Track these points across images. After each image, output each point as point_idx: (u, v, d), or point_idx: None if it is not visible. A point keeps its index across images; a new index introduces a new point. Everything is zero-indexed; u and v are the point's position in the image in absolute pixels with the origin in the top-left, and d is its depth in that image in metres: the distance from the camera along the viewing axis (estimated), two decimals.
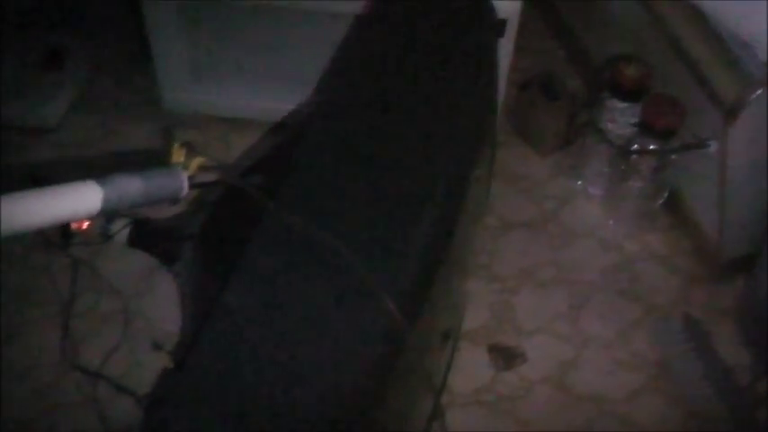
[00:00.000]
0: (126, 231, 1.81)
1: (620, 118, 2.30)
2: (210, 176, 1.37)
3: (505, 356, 2.10)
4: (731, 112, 1.96)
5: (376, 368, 1.30)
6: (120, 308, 2.14)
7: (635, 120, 2.27)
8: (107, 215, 1.15)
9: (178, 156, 1.27)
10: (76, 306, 2.09)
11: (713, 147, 2.11)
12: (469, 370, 2.08)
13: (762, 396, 1.92)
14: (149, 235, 1.82)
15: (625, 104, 2.28)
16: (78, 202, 1.14)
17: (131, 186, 1.19)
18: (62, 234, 1.86)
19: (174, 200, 1.28)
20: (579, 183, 2.48)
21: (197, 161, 1.28)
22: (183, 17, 2.33)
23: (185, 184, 1.24)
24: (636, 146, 2.23)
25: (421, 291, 1.40)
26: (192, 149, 1.29)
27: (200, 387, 1.23)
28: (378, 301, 1.27)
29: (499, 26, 1.98)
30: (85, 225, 1.80)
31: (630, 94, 2.27)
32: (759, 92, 1.91)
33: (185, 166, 1.27)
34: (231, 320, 1.30)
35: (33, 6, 2.74)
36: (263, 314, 1.31)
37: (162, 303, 2.09)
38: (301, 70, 2.21)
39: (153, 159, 1.30)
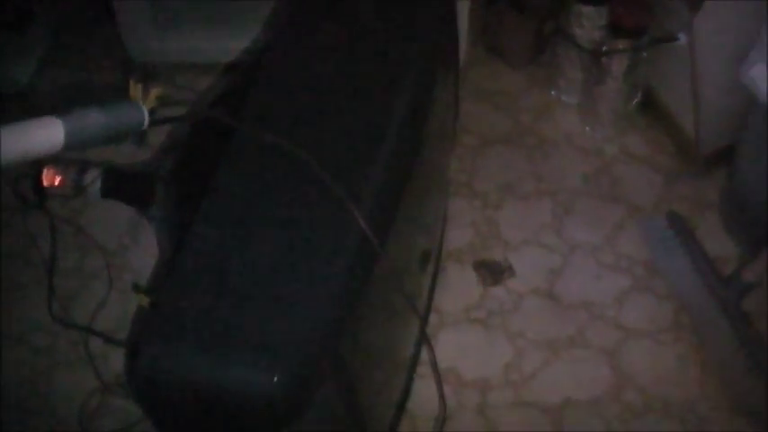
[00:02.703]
0: (98, 182, 1.80)
1: (587, 23, 2.28)
2: (174, 111, 1.37)
3: (492, 272, 2.11)
4: (694, 1, 1.93)
5: (351, 284, 1.30)
6: (105, 264, 2.16)
7: (603, 23, 2.24)
8: (72, 149, 1.15)
9: (135, 91, 1.27)
10: (62, 265, 2.11)
11: (682, 39, 2.10)
12: (457, 289, 2.08)
13: (748, 284, 1.92)
14: (122, 183, 1.81)
15: (591, 8, 2.26)
16: (41, 136, 1.14)
17: (92, 119, 1.19)
18: (35, 191, 1.86)
19: (139, 136, 1.28)
20: (554, 92, 2.47)
21: (154, 92, 1.28)
22: None
23: (146, 115, 1.24)
24: (605, 47, 2.21)
25: (390, 205, 1.40)
26: (148, 81, 1.29)
27: (175, 321, 1.23)
28: (349, 216, 1.27)
29: None
30: (57, 180, 1.80)
31: None
32: None
33: (143, 100, 1.27)
34: (203, 248, 1.30)
35: None
36: (235, 239, 1.30)
37: (147, 253, 2.09)
38: (260, 9, 2.19)
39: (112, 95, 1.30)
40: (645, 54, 2.21)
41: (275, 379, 1.17)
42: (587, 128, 2.39)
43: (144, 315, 1.30)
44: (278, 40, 1.58)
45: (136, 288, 1.53)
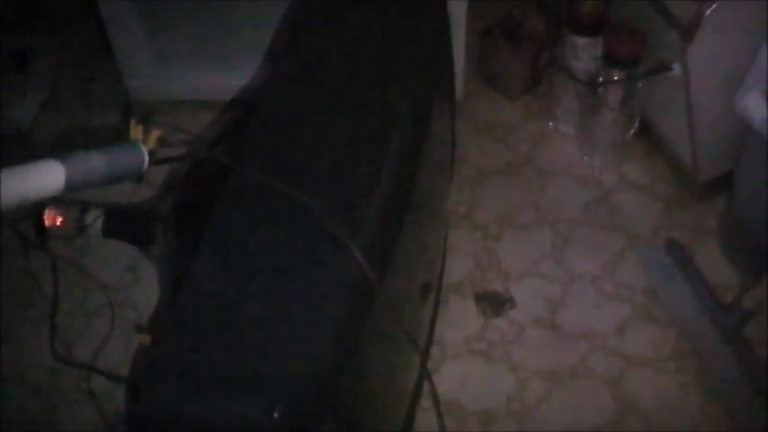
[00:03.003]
0: (100, 222, 1.82)
1: (583, 54, 2.30)
2: (173, 151, 1.39)
3: (493, 303, 2.11)
4: (688, 31, 1.96)
5: (350, 320, 1.31)
6: (107, 302, 2.16)
7: (598, 54, 2.26)
8: (72, 191, 1.16)
9: (136, 132, 1.29)
10: (65, 304, 2.12)
11: (676, 69, 2.11)
12: (458, 321, 2.09)
13: (748, 310, 1.93)
14: (123, 222, 1.83)
15: (586, 40, 2.28)
16: (42, 179, 1.15)
17: (93, 162, 1.20)
18: (37, 232, 1.88)
19: (138, 175, 1.29)
20: (551, 123, 2.49)
21: (155, 134, 1.29)
22: (138, 6, 2.34)
23: (146, 157, 1.25)
24: (601, 78, 2.23)
25: (388, 239, 1.41)
26: (148, 124, 1.30)
27: (175, 360, 1.24)
28: (347, 253, 1.28)
29: None
30: (59, 220, 1.82)
31: (590, 28, 2.27)
32: (713, 7, 1.90)
33: (144, 141, 1.29)
34: (201, 287, 1.31)
35: None
36: (233, 277, 1.31)
37: (149, 291, 2.09)
38: (260, 46, 2.21)
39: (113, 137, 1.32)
40: (640, 84, 2.23)
41: (275, 416, 1.17)
42: (585, 158, 2.41)
43: (144, 354, 1.31)
44: (274, 77, 1.60)
45: (138, 329, 1.54)
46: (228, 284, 1.31)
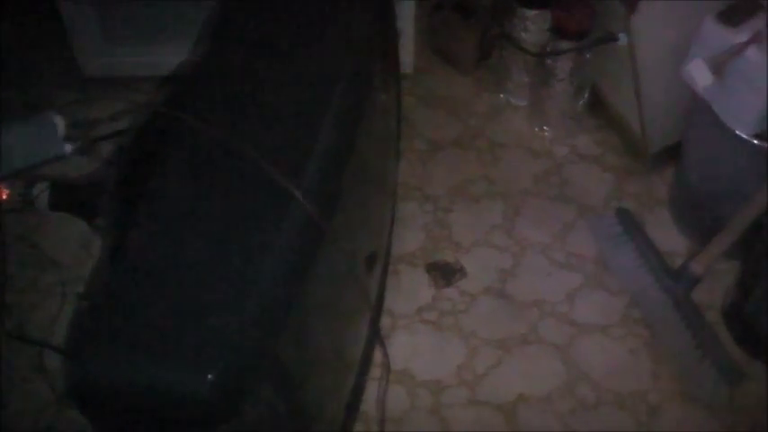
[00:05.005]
0: (46, 194, 1.81)
1: (532, 26, 2.31)
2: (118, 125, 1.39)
3: (444, 273, 2.13)
4: (631, 1, 1.97)
5: (292, 277, 1.31)
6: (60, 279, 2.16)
7: (547, 26, 2.28)
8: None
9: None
10: (17, 282, 2.11)
11: (623, 40, 2.13)
12: (410, 291, 2.10)
13: (696, 276, 1.95)
14: (69, 194, 1.82)
15: (535, 12, 2.29)
16: None
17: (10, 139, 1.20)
18: None
19: (87, 146, 1.29)
20: (503, 96, 2.50)
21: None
22: None
23: (61, 127, 1.25)
24: (549, 49, 2.24)
25: (331, 193, 1.42)
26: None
27: (110, 326, 1.24)
28: (290, 203, 1.29)
29: None
30: (5, 194, 1.80)
31: (539, 1, 2.28)
32: None
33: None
34: (138, 250, 1.30)
35: None
36: (170, 239, 1.31)
37: None
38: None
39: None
40: (588, 55, 2.25)
41: (209, 378, 1.18)
42: (536, 129, 2.42)
43: (79, 322, 1.31)
44: (213, 46, 1.60)
45: (80, 297, 1.54)
46: (166, 246, 1.30)
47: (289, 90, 1.48)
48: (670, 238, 2.17)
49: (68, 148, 1.41)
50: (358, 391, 1.85)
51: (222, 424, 1.23)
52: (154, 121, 1.52)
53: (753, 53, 1.79)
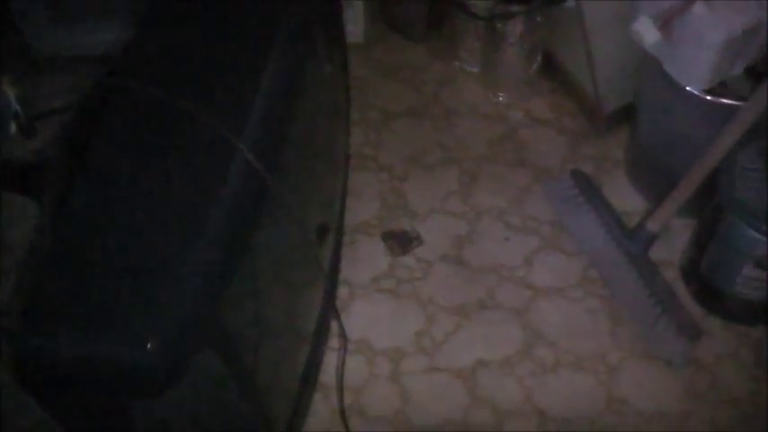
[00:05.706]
0: None
1: None
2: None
3: (400, 242, 2.11)
4: None
5: (236, 237, 1.29)
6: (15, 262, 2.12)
7: None
8: None
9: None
10: None
11: (571, 1, 2.12)
12: (366, 261, 2.09)
13: (652, 233, 1.95)
14: (14, 173, 1.79)
15: None
16: None
17: None
18: None
19: (28, 127, 1.27)
20: (456, 63, 2.48)
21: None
22: None
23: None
24: (498, 13, 2.23)
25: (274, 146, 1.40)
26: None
27: (46, 302, 1.22)
28: (235, 158, 1.27)
29: None
30: None
31: None
32: None
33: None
34: (75, 220, 1.28)
35: None
36: (106, 207, 1.28)
37: None
38: None
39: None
40: (539, 18, 2.23)
41: (148, 346, 1.16)
42: (490, 95, 2.41)
43: (17, 297, 1.28)
44: (150, 20, 1.58)
45: (18, 272, 1.51)
46: (106, 212, 1.27)
47: (224, 56, 1.45)
48: (627, 199, 2.17)
49: (12, 127, 1.39)
50: (316, 362, 1.84)
51: (166, 389, 1.21)
52: (95, 92, 1.48)
53: (699, 8, 1.78)
